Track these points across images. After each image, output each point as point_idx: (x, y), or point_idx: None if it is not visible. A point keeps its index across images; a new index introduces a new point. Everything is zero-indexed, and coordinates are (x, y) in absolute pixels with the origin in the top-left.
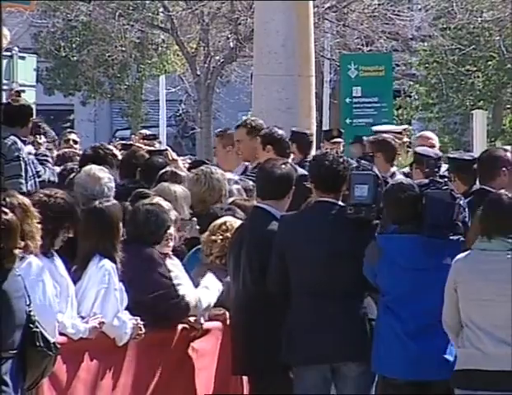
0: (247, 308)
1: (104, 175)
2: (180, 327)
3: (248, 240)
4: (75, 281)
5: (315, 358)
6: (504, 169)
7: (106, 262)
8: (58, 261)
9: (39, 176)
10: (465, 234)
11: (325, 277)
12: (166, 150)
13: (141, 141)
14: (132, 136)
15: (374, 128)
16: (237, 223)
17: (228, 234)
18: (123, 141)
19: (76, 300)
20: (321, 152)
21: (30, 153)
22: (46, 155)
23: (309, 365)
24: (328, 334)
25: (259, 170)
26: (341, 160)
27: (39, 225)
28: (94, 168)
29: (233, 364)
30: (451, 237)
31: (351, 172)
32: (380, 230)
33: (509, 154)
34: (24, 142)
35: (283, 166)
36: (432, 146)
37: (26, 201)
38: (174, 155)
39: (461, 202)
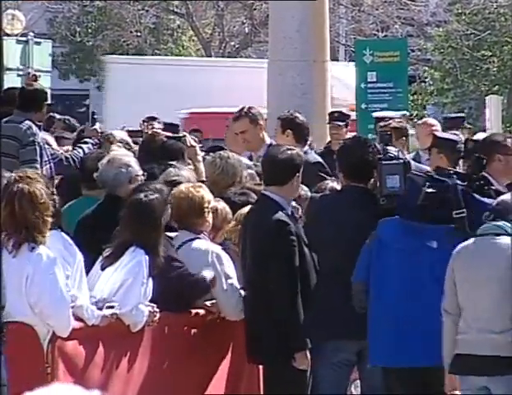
0: (250, 296)
1: (123, 160)
2: (197, 311)
3: (251, 228)
4: (105, 267)
5: (344, 334)
6: (499, 155)
7: (140, 254)
8: (63, 234)
9: (53, 158)
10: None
11: (351, 258)
12: (184, 136)
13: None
14: (141, 121)
15: (375, 114)
16: None
17: None
18: (131, 128)
19: (86, 276)
20: (349, 140)
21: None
22: (85, 142)
23: (338, 342)
24: (355, 312)
25: (264, 156)
26: (370, 148)
27: (49, 218)
28: (113, 154)
29: (246, 351)
30: (438, 224)
31: (379, 162)
32: None
33: (509, 140)
34: (39, 127)
35: (287, 151)
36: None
37: (38, 192)
38: (192, 141)
39: (429, 190)
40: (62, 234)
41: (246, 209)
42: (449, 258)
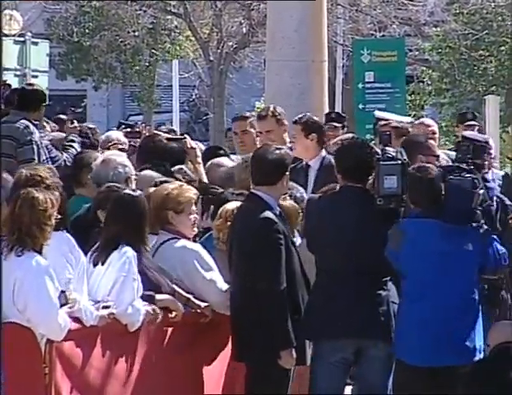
0: (236, 294)
1: (118, 160)
2: (191, 312)
3: (239, 227)
4: (96, 262)
5: (342, 332)
6: (420, 155)
7: (129, 250)
8: (69, 236)
9: (54, 161)
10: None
11: (350, 259)
12: (185, 138)
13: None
14: (138, 123)
15: (377, 114)
16: None
17: None
18: (129, 129)
19: (86, 278)
20: (347, 141)
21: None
22: (73, 140)
23: (335, 341)
24: (356, 311)
25: (252, 156)
26: (367, 149)
27: (48, 227)
28: (107, 154)
29: (232, 350)
30: (474, 224)
31: (377, 162)
32: (403, 213)
33: (431, 141)
34: (36, 126)
35: (276, 151)
36: (433, 134)
37: (42, 198)
38: (193, 143)
39: (480, 192)
40: (68, 235)
41: (230, 205)
42: (480, 258)
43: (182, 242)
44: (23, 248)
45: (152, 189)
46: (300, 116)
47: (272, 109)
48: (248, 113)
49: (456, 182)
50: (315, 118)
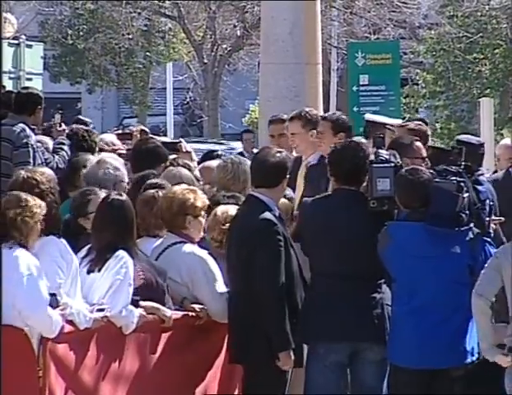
0: (234, 296)
1: (113, 162)
2: (185, 314)
3: (238, 229)
4: (91, 270)
5: (337, 335)
6: (405, 158)
7: (125, 255)
8: (63, 240)
9: (46, 164)
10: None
11: (345, 261)
12: (180, 142)
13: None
14: (131, 127)
15: (367, 116)
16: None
17: None
18: (120, 132)
19: (80, 281)
20: (340, 145)
21: (39, 141)
22: (62, 143)
23: (330, 343)
24: (351, 314)
25: (253, 159)
26: (360, 153)
27: (38, 224)
28: (104, 155)
29: (228, 351)
30: (462, 228)
31: (370, 164)
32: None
33: (418, 144)
34: (33, 130)
35: (277, 154)
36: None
37: (30, 200)
38: (188, 147)
39: (465, 195)
40: (62, 240)
41: (222, 207)
42: (470, 261)
43: (190, 247)
44: (13, 243)
45: (157, 192)
46: (330, 113)
47: (303, 112)
48: (285, 116)
49: (440, 185)
50: (344, 117)
